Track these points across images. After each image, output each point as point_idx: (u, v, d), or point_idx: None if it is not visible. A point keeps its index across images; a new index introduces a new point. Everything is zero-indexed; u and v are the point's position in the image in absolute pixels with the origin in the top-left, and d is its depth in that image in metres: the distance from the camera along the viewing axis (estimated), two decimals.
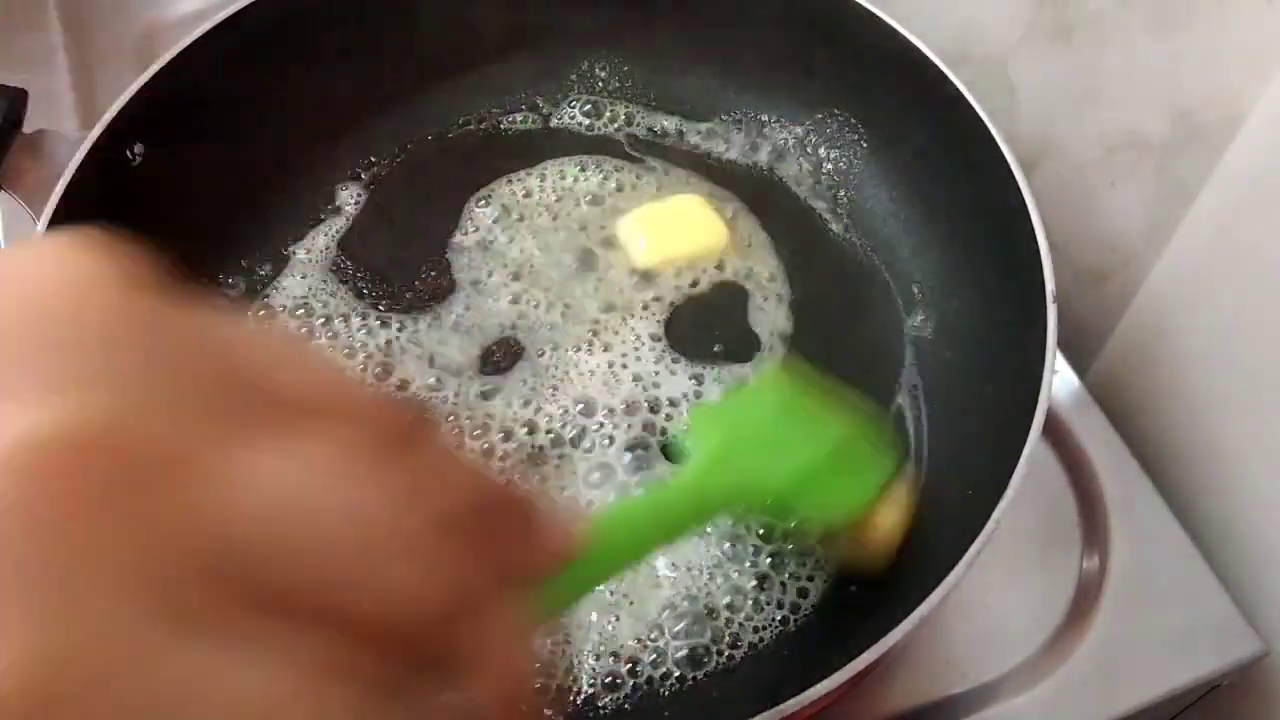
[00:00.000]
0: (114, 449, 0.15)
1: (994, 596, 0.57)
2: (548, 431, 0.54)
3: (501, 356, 0.57)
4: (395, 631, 0.17)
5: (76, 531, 0.14)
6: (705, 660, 0.49)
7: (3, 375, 0.15)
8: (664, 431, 0.54)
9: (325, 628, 0.16)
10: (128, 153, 0.55)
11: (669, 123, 0.66)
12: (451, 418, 0.54)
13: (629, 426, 0.54)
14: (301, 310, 0.59)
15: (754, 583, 0.51)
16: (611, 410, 0.55)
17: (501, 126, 0.66)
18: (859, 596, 0.50)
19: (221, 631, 0.15)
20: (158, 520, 0.15)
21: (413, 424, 0.19)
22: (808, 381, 0.47)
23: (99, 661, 0.14)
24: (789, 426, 0.45)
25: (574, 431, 0.54)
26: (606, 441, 0.54)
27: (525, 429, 0.54)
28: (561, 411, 0.55)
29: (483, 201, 0.63)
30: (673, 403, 0.55)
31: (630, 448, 0.54)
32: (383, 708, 0.16)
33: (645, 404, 0.55)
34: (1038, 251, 0.49)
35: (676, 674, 0.49)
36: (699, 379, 0.56)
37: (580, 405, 0.55)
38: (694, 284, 0.59)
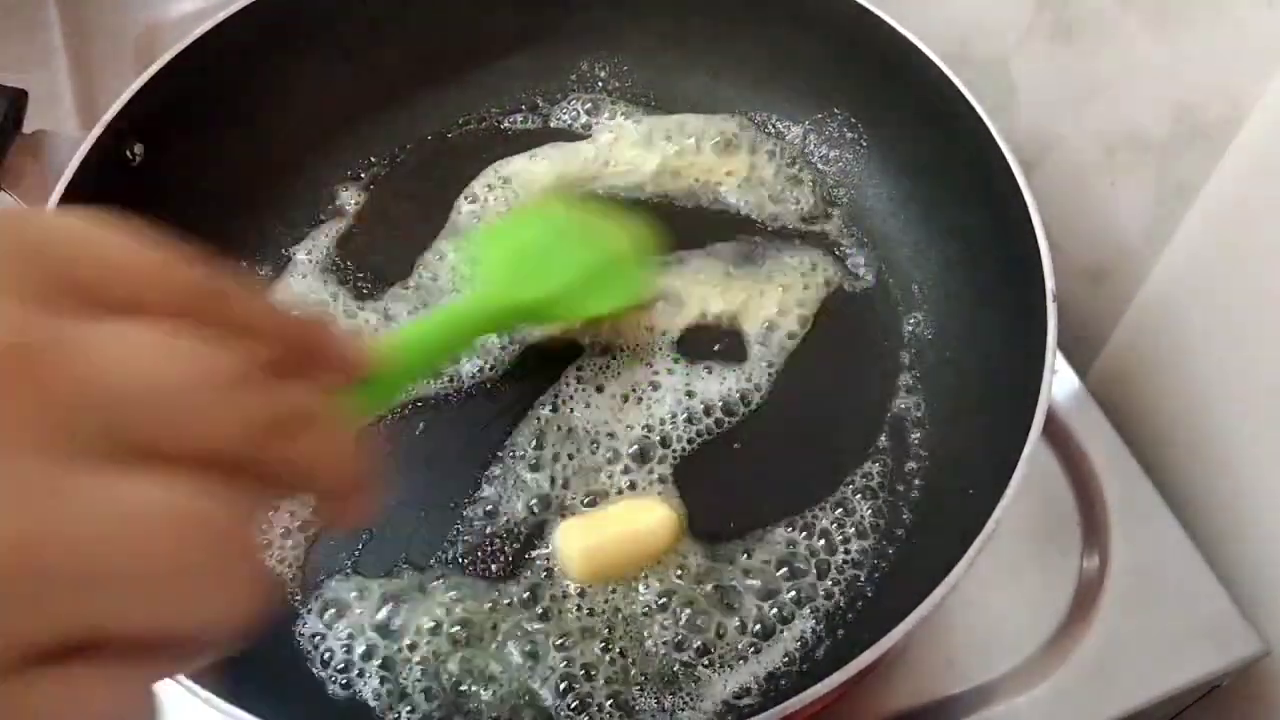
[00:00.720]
0: None
1: (994, 596, 0.57)
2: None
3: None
4: (235, 451, 0.22)
5: None
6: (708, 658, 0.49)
7: None
8: (664, 442, 0.54)
9: (167, 462, 0.20)
10: (127, 153, 0.55)
11: None
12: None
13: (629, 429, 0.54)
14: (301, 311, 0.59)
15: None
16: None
17: (502, 126, 0.66)
18: (862, 596, 0.50)
19: (103, 469, 0.19)
20: (21, 389, 0.19)
21: (213, 282, 0.24)
22: (579, 208, 0.55)
23: (9, 510, 0.18)
24: (560, 244, 0.53)
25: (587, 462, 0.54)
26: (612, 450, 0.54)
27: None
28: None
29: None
30: (671, 412, 0.55)
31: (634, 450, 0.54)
32: (242, 515, 0.22)
33: (645, 400, 0.55)
34: (1038, 251, 0.49)
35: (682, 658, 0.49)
36: (700, 375, 0.56)
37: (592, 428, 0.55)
38: None
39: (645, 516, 0.50)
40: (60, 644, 0.19)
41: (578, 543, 0.50)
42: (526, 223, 0.56)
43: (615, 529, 0.50)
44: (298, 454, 0.24)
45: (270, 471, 0.23)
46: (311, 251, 0.61)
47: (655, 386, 0.55)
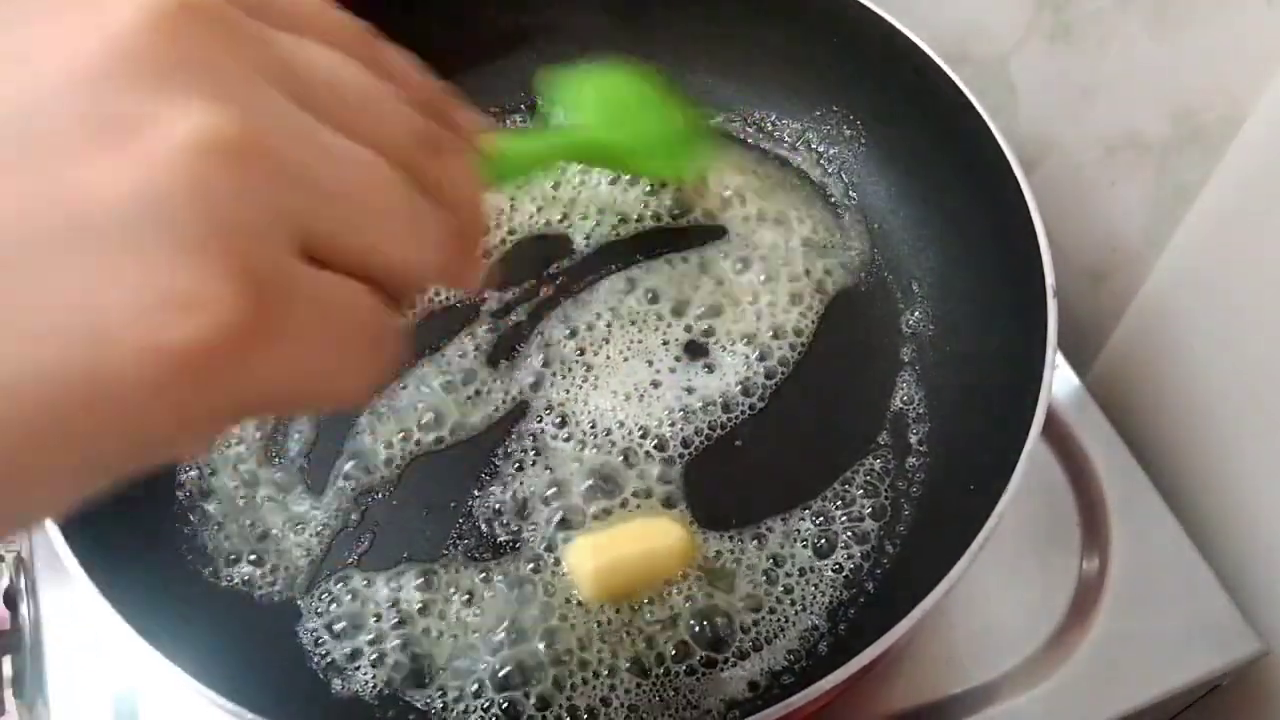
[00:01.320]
0: (219, 9, 0.23)
1: (994, 596, 0.57)
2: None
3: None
4: (402, 146, 0.26)
5: (222, 48, 0.23)
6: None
7: None
8: (663, 441, 0.54)
9: (363, 138, 0.25)
10: None
11: None
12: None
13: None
14: None
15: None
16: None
17: (503, 126, 0.66)
18: (862, 595, 0.50)
19: (321, 120, 0.24)
20: (269, 52, 0.24)
21: (379, 43, 0.30)
22: (655, 81, 0.58)
23: (272, 119, 0.23)
24: (641, 101, 0.57)
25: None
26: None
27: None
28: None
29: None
30: (670, 409, 0.55)
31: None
32: (407, 179, 0.26)
33: (646, 398, 0.55)
34: (1038, 250, 0.49)
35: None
36: (700, 372, 0.56)
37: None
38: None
39: (660, 538, 0.50)
40: (303, 237, 0.23)
41: (589, 562, 0.49)
42: (615, 76, 0.59)
43: (629, 549, 0.50)
44: (447, 173, 0.27)
45: (427, 178, 0.26)
46: None
47: (656, 385, 0.55)
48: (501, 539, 0.52)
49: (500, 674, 0.48)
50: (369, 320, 0.24)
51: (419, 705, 0.47)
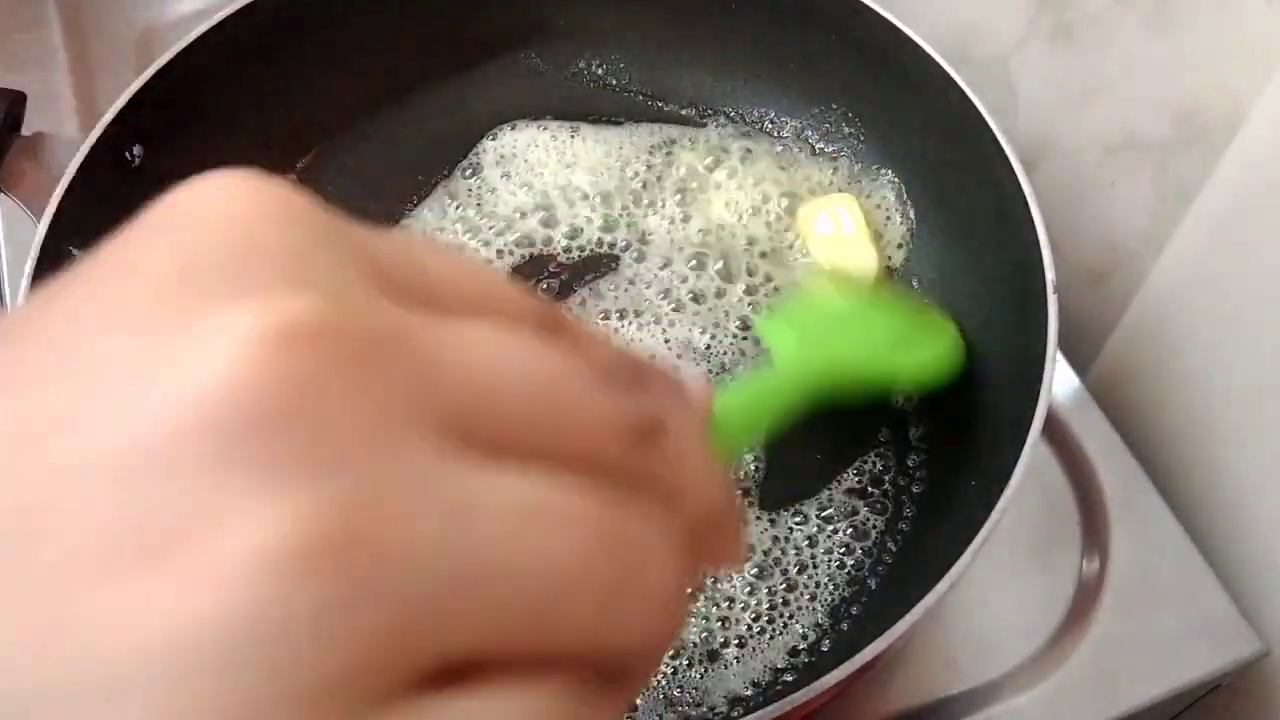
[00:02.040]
0: (342, 331, 0.16)
1: (994, 596, 0.57)
2: None
3: None
4: (601, 453, 0.19)
5: (340, 392, 0.15)
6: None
7: (230, 281, 0.16)
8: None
9: (542, 459, 0.17)
10: (127, 154, 0.55)
11: None
12: None
13: None
14: None
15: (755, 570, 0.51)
16: None
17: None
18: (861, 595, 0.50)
19: (475, 462, 0.16)
20: (400, 380, 0.16)
21: (554, 312, 0.21)
22: (850, 286, 0.54)
23: (393, 494, 0.15)
24: (854, 313, 0.52)
25: None
26: None
27: None
28: None
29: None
30: None
31: None
32: (613, 517, 0.18)
33: None
34: (1038, 250, 0.49)
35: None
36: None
37: None
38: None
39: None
40: (432, 662, 0.15)
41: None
42: (825, 300, 0.54)
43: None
44: (673, 466, 0.20)
45: (646, 482, 0.19)
46: None
47: None
48: None
49: None
50: None
51: None
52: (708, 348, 0.57)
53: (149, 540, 0.14)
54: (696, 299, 0.59)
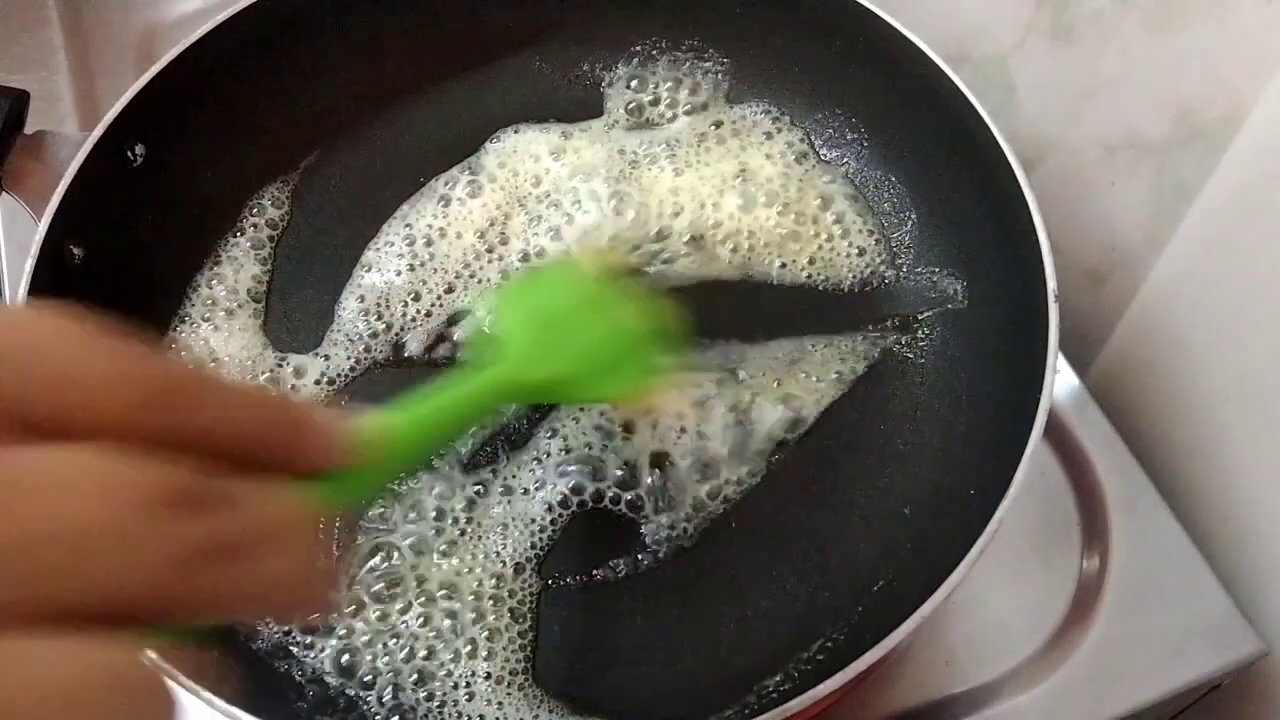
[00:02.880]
0: None
1: (994, 596, 0.57)
2: None
3: None
4: (160, 589, 0.21)
5: None
6: None
7: None
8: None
9: (77, 621, 0.20)
10: (128, 153, 0.55)
11: None
12: None
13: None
14: None
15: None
16: None
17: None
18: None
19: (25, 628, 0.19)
20: None
21: (166, 382, 0.23)
22: (602, 274, 0.52)
23: None
24: (587, 316, 0.49)
25: None
26: None
27: None
28: None
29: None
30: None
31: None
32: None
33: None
34: (1039, 251, 0.49)
35: None
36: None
37: None
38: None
39: None
40: None
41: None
42: (549, 287, 0.52)
43: None
44: (245, 575, 0.22)
45: (209, 600, 0.22)
46: None
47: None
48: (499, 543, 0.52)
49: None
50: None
51: (413, 700, 0.48)
52: None
53: None
54: None
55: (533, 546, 0.51)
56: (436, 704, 0.47)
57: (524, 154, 0.64)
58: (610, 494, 0.52)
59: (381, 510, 0.52)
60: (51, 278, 0.50)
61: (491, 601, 0.50)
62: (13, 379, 0.21)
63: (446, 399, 0.39)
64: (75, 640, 0.19)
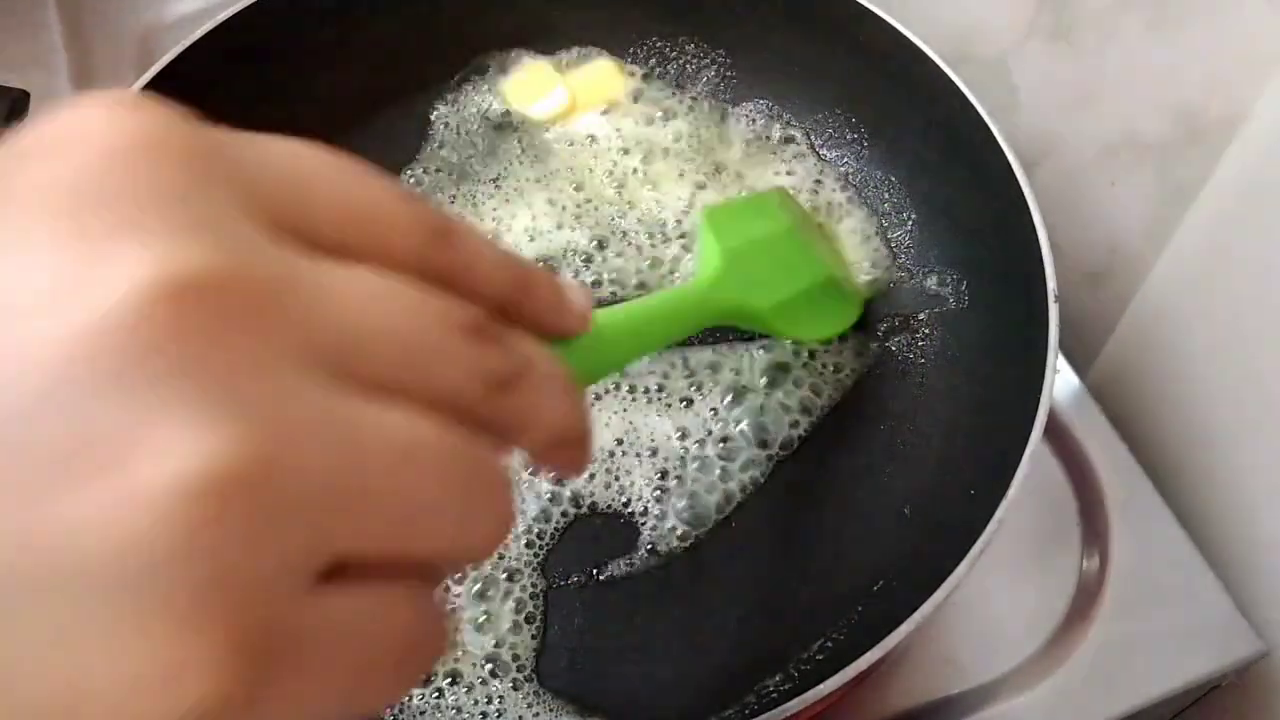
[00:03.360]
0: (235, 284, 0.18)
1: (994, 596, 0.57)
2: None
3: None
4: (469, 398, 0.22)
5: (228, 343, 0.18)
6: None
7: (125, 224, 0.18)
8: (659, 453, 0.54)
9: (411, 401, 0.21)
10: None
11: None
12: None
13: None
14: None
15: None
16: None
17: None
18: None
19: (357, 399, 0.20)
20: (288, 328, 0.19)
21: (440, 223, 0.24)
22: (802, 211, 0.53)
23: (289, 428, 0.18)
24: (787, 252, 0.51)
25: None
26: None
27: None
28: None
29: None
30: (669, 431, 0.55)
31: None
32: (487, 452, 0.22)
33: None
34: (1039, 251, 0.49)
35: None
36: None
37: None
38: None
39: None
40: (326, 563, 0.19)
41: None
42: (761, 214, 0.54)
43: None
44: (525, 406, 0.24)
45: (499, 421, 0.23)
46: None
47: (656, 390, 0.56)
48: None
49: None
50: (400, 637, 0.21)
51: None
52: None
53: (93, 455, 0.17)
54: None
55: (531, 547, 0.51)
56: (436, 703, 0.47)
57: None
58: (611, 495, 0.52)
59: None
60: None
61: (492, 601, 0.50)
62: (303, 204, 0.21)
63: (653, 305, 0.41)
64: (408, 587, 0.21)
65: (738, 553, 0.51)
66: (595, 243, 0.60)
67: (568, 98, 0.64)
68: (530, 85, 0.65)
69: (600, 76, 0.65)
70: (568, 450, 0.26)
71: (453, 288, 0.23)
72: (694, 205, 0.61)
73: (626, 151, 0.63)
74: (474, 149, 0.64)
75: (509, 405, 0.23)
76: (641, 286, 0.59)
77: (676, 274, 0.59)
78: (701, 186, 0.62)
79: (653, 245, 0.60)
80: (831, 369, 0.56)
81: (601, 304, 0.50)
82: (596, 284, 0.59)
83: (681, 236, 0.60)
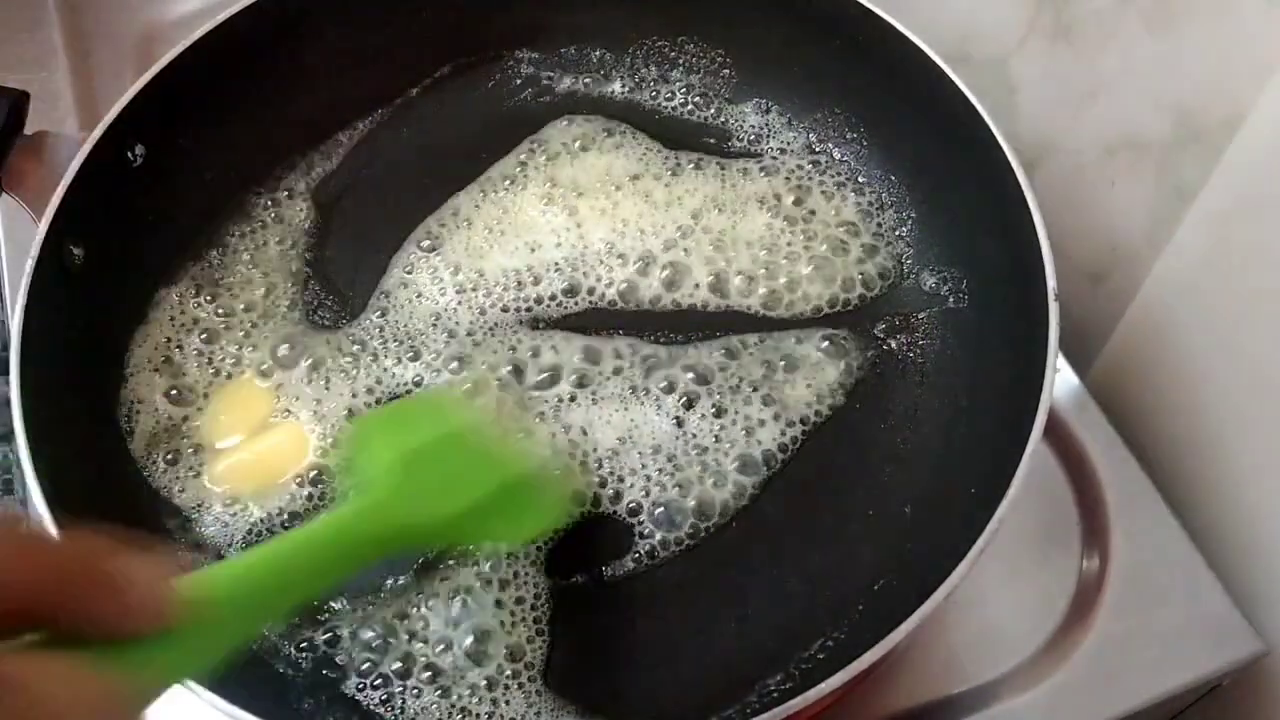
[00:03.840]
0: None
1: (994, 596, 0.57)
2: None
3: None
4: None
5: None
6: None
7: None
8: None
9: None
10: (128, 154, 0.55)
11: None
12: None
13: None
14: None
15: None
16: None
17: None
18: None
19: None
20: None
21: None
22: (470, 410, 0.48)
23: None
24: (465, 450, 0.44)
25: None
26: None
27: None
28: None
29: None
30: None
31: None
32: None
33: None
34: (1039, 251, 0.49)
35: None
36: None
37: None
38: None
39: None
40: None
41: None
42: (419, 418, 0.47)
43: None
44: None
45: None
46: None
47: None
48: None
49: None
50: None
51: (421, 699, 0.48)
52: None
53: None
54: None
55: (536, 548, 0.51)
56: (438, 703, 0.47)
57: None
58: (612, 497, 0.52)
59: None
60: (51, 278, 0.50)
61: (494, 603, 0.50)
62: None
63: (291, 547, 0.34)
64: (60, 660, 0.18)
65: (738, 553, 0.51)
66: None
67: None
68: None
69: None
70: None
71: None
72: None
73: None
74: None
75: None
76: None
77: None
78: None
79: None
80: (833, 369, 0.56)
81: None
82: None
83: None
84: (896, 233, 0.60)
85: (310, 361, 0.56)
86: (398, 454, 0.41)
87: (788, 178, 0.62)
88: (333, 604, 0.50)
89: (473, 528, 0.43)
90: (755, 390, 0.55)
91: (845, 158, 0.63)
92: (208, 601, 0.26)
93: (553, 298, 0.59)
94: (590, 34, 0.67)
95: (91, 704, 0.21)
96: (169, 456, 0.53)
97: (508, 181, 0.63)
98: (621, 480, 0.53)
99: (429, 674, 0.48)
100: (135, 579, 0.23)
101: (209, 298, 0.58)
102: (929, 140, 0.58)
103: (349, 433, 0.48)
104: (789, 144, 0.64)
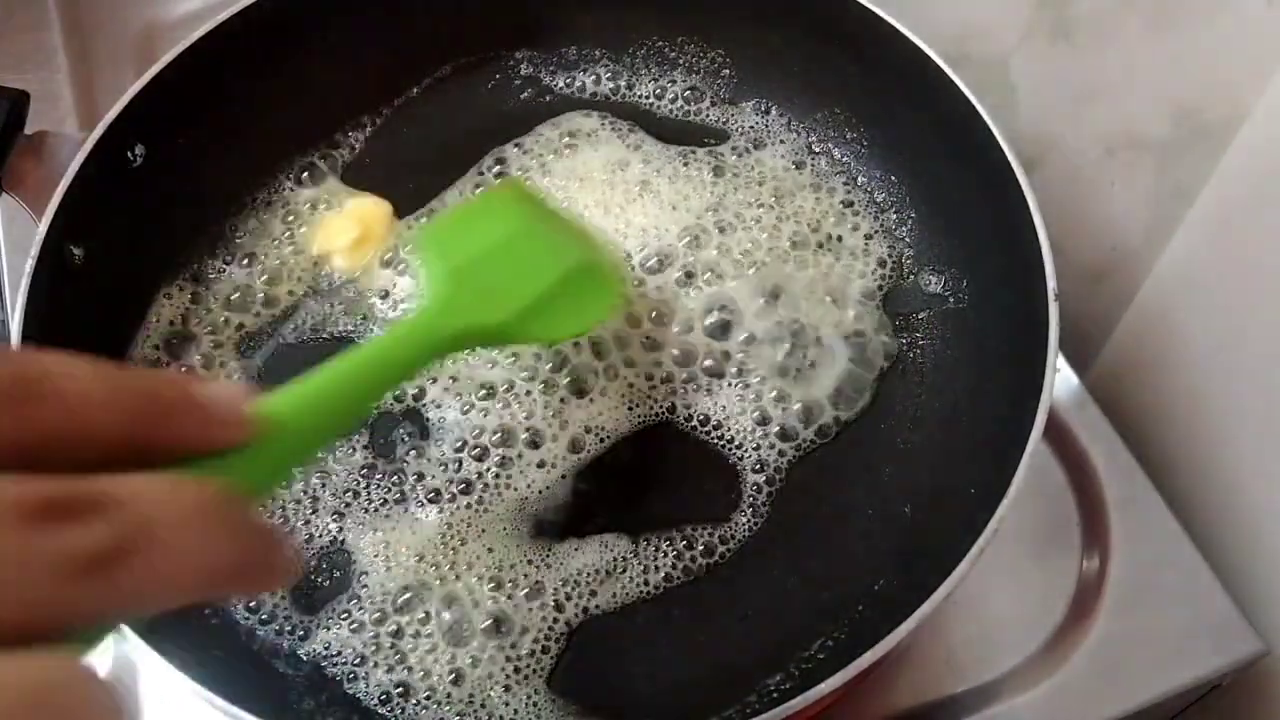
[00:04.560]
0: None
1: (994, 596, 0.57)
2: None
3: None
4: (37, 612, 0.20)
5: None
6: None
7: None
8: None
9: None
10: (128, 154, 0.55)
11: None
12: None
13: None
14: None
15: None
16: None
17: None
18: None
19: None
20: None
21: (12, 385, 0.21)
22: (536, 201, 0.47)
23: None
24: (523, 251, 0.45)
25: None
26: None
27: None
28: None
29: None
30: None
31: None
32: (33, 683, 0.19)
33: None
34: (1039, 251, 0.49)
35: None
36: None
37: None
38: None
39: None
40: None
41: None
42: (480, 220, 0.47)
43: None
44: (142, 573, 0.21)
45: (102, 604, 0.20)
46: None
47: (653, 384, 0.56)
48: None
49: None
50: None
51: (422, 699, 0.48)
52: None
53: None
54: None
55: (536, 548, 0.51)
56: (438, 703, 0.47)
57: (515, 160, 0.64)
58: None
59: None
60: (51, 278, 0.50)
61: (494, 603, 0.50)
62: None
63: (359, 359, 0.35)
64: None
65: (739, 553, 0.51)
66: None
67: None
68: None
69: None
70: (243, 580, 0.24)
71: (44, 450, 0.21)
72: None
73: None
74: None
75: (113, 582, 0.20)
76: None
77: None
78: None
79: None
80: (833, 369, 0.56)
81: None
82: None
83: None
84: (896, 233, 0.60)
85: None
86: (452, 265, 0.43)
87: (788, 178, 0.62)
88: (333, 603, 0.50)
89: (533, 325, 0.44)
90: (754, 390, 0.55)
91: (845, 158, 0.63)
92: (280, 417, 0.28)
93: None
94: (590, 34, 0.67)
95: (200, 504, 0.22)
96: None
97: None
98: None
99: (429, 674, 0.48)
100: (216, 396, 0.25)
101: (209, 298, 0.58)
102: (929, 140, 0.58)
103: (419, 243, 0.48)
104: (789, 144, 0.64)
